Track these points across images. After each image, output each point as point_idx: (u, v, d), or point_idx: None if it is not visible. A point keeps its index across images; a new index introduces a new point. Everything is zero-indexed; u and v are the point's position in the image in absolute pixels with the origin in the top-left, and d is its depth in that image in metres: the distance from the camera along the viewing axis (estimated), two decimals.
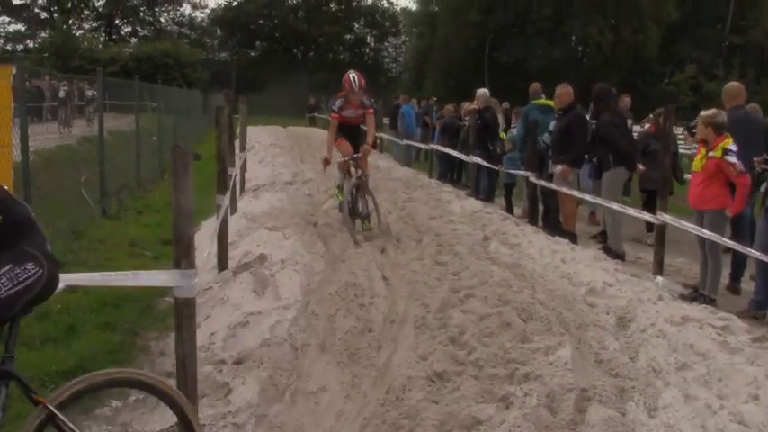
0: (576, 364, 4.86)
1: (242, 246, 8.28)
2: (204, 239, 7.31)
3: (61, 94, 19.82)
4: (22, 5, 66.03)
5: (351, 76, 9.12)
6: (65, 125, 18.74)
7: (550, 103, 11.44)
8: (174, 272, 3.80)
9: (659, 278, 7.42)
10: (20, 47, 63.90)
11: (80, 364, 4.94)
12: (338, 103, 9.24)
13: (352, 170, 9.05)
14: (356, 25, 77.48)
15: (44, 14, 67.18)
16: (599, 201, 9.14)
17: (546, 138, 10.49)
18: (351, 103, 9.15)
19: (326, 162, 9.20)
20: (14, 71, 7.00)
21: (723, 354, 5.09)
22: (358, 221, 9.16)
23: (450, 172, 17.28)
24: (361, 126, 9.68)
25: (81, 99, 27.25)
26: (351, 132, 9.45)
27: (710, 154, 7.03)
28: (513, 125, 13.83)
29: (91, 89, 20.37)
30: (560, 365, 4.78)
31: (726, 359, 5.00)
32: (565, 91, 10.09)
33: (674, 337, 5.46)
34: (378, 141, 24.99)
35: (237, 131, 14.57)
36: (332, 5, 75.96)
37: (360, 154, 9.08)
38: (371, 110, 9.41)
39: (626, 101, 13.40)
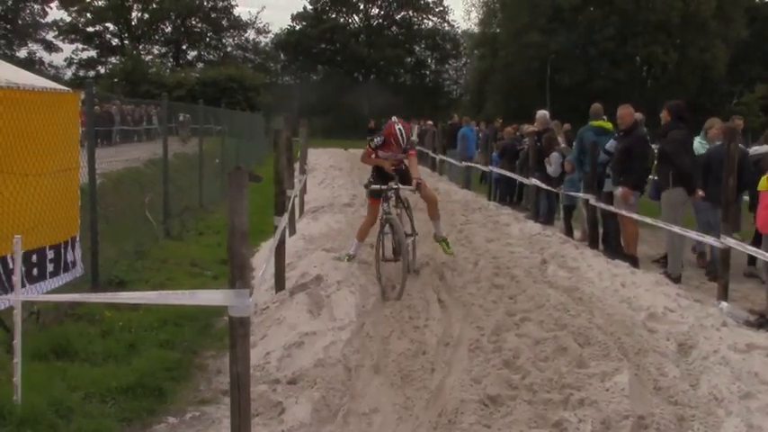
0: (634, 390, 4.76)
1: (299, 266, 8.37)
2: (263, 260, 7.42)
3: (180, 118, 21.59)
4: (94, 32, 68.63)
5: (397, 129, 8.00)
6: (183, 141, 19.64)
7: (608, 125, 11.30)
8: (229, 291, 3.87)
9: (724, 304, 7.22)
10: (91, 72, 66.44)
11: (139, 381, 5.07)
12: (377, 140, 8.25)
13: (384, 205, 7.94)
14: (417, 48, 77.95)
15: (115, 41, 69.67)
16: (660, 223, 8.95)
17: (601, 157, 10.35)
18: (391, 148, 8.14)
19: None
20: (83, 96, 7.26)
21: None
22: (392, 268, 7.97)
23: (510, 194, 17.17)
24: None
25: (150, 122, 28.18)
26: (388, 174, 8.33)
27: None
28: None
29: (182, 113, 21.84)
30: (617, 392, 4.69)
31: None
32: (626, 112, 9.95)
33: (737, 365, 5.31)
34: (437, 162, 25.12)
35: (298, 154, 14.79)
36: (393, 29, 76.70)
37: (403, 186, 8.05)
38: (414, 151, 8.44)
39: (738, 123, 11.58)
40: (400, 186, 8.03)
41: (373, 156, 8.35)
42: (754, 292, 8.61)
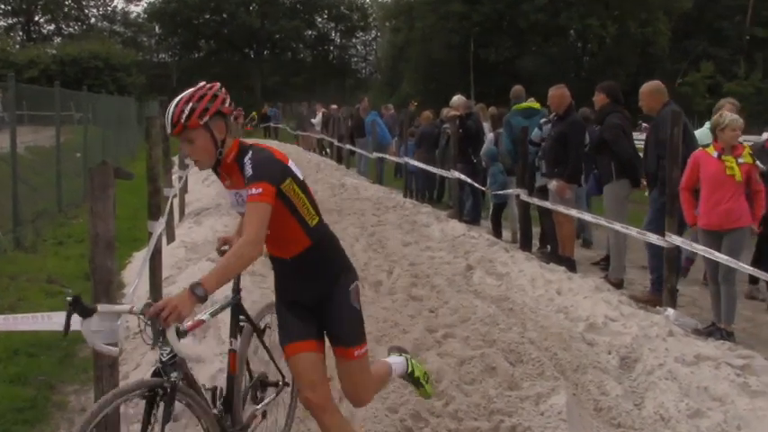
0: (572, 413, 4.87)
1: (180, 281, 8.20)
2: (135, 273, 7.25)
3: None
4: None
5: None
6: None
7: (536, 105, 11.60)
8: None
9: (670, 310, 7.47)
10: None
11: None
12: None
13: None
14: (319, 19, 77.95)
15: None
16: (602, 221, 9.19)
17: (530, 149, 10.59)
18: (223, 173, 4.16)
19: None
20: None
21: (743, 398, 5.14)
22: None
23: (430, 190, 17.33)
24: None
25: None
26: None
27: (740, 161, 7.12)
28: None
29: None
30: (553, 416, 4.78)
31: (746, 404, 5.04)
32: (559, 92, 10.14)
33: (685, 380, 5.51)
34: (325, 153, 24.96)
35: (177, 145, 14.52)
36: None
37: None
38: (252, 194, 3.70)
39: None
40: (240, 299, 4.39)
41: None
42: (702, 296, 8.94)
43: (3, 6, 70.42)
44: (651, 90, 8.82)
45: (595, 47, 59.56)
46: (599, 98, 9.84)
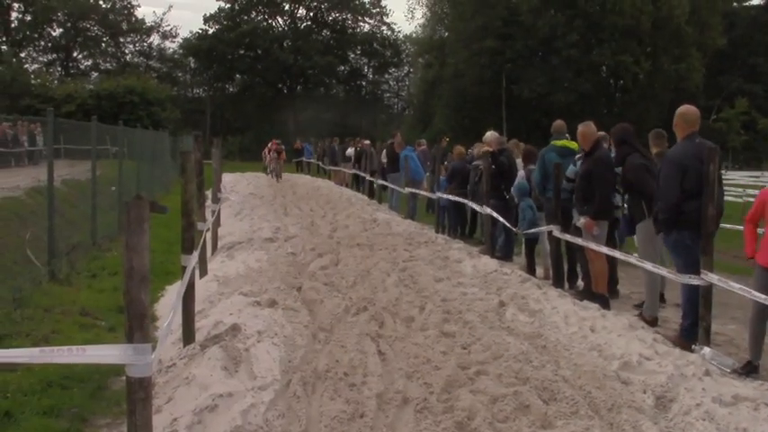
0: None
1: (212, 314, 8.26)
2: (169, 307, 7.30)
3: None
4: None
5: None
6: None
7: (573, 144, 11.55)
8: (126, 346, 3.79)
9: (706, 349, 7.36)
10: None
11: None
12: None
13: None
14: (351, 55, 78.68)
15: None
16: (631, 259, 9.12)
17: (564, 185, 10.58)
18: None
19: None
20: None
21: None
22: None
23: (462, 225, 17.31)
24: None
25: (33, 144, 27.61)
26: None
27: None
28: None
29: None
30: None
31: None
32: (585, 130, 10.16)
33: (723, 420, 5.42)
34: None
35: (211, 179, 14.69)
36: (324, 33, 77.22)
37: None
38: None
39: None
40: None
41: None
42: (739, 334, 8.82)
43: (43, 43, 71.94)
44: (680, 113, 8.54)
45: (628, 83, 59.56)
46: (613, 144, 9.92)
